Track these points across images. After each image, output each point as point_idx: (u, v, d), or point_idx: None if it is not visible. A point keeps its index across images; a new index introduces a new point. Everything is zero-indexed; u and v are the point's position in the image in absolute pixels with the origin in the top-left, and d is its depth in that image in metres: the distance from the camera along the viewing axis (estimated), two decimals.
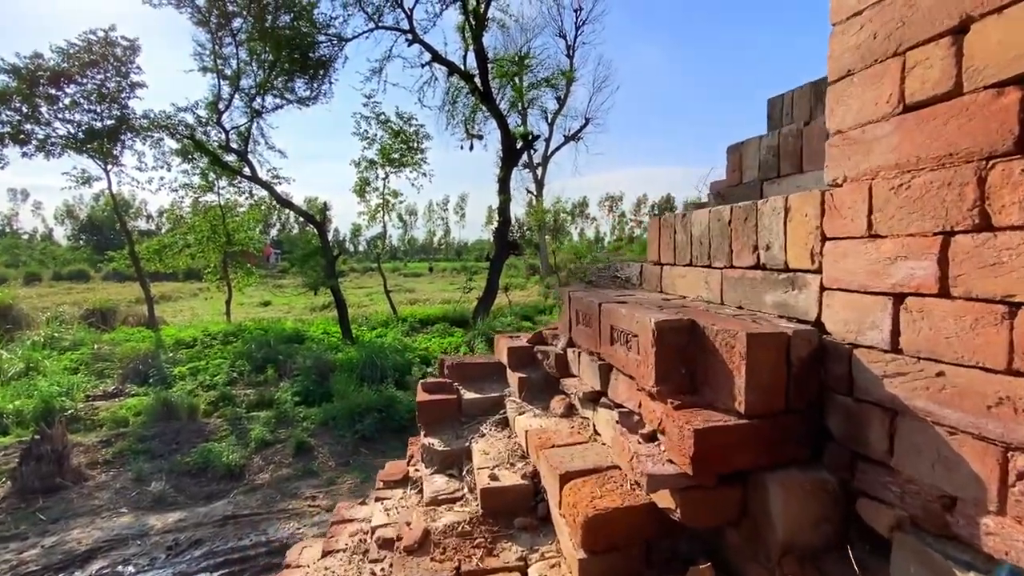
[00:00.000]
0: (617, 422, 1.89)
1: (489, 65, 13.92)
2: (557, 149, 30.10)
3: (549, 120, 27.46)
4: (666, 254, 2.34)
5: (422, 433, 2.75)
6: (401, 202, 16.13)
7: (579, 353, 2.39)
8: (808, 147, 2.18)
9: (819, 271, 1.45)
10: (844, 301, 1.35)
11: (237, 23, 10.68)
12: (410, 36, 13.39)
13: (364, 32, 12.86)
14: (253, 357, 10.48)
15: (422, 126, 14.54)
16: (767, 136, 2.46)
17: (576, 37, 28.48)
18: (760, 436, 1.38)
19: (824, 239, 1.43)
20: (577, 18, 28.34)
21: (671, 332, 1.59)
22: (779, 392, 1.40)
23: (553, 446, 2.04)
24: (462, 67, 13.87)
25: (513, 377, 2.73)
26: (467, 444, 2.49)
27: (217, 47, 11.06)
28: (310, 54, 11.60)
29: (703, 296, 2.04)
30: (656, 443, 1.64)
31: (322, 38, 11.88)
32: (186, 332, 13.09)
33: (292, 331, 12.70)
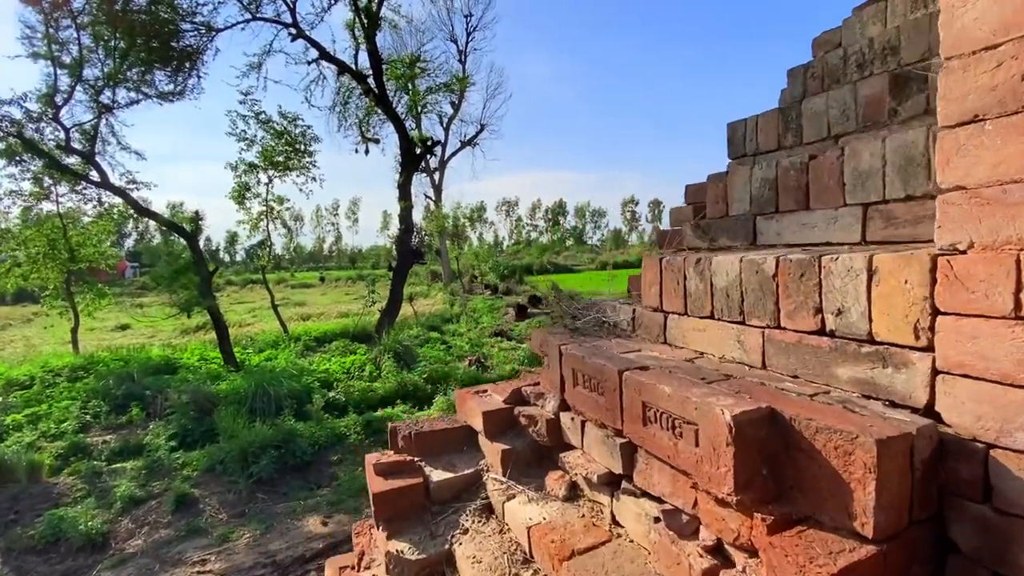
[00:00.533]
0: (657, 519, 1.54)
1: (383, 66, 13.12)
2: (454, 154, 29.59)
3: (445, 125, 26.89)
4: (672, 301, 2.05)
5: (381, 529, 2.18)
6: (287, 208, 14.60)
7: (581, 422, 2.01)
8: (817, 183, 2.02)
9: (928, 349, 1.22)
10: (975, 392, 1.12)
11: (78, 2, 8.75)
12: (293, 31, 12.11)
13: (239, 23, 11.34)
14: (111, 395, 8.63)
15: (309, 127, 13.27)
16: (760, 167, 2.29)
17: (467, 43, 28.22)
18: (891, 563, 1.11)
19: (936, 312, 1.19)
20: (468, 24, 28.07)
21: (751, 426, 1.27)
22: (905, 504, 1.14)
23: (574, 553, 1.64)
24: (353, 66, 12.90)
25: (492, 449, 2.28)
26: (447, 547, 1.99)
27: (52, 30, 8.98)
28: (172, 43, 9.90)
29: (733, 357, 1.77)
30: (731, 565, 1.31)
31: (187, 26, 10.21)
32: (20, 369, 10.52)
33: (160, 360, 10.77)
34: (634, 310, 2.32)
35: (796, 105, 2.70)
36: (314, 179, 13.75)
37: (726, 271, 1.77)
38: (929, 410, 1.22)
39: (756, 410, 1.29)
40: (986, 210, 1.09)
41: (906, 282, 1.24)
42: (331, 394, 7.99)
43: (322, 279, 35.87)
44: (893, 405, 1.29)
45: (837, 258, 1.40)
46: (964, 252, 1.13)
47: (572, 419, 2.07)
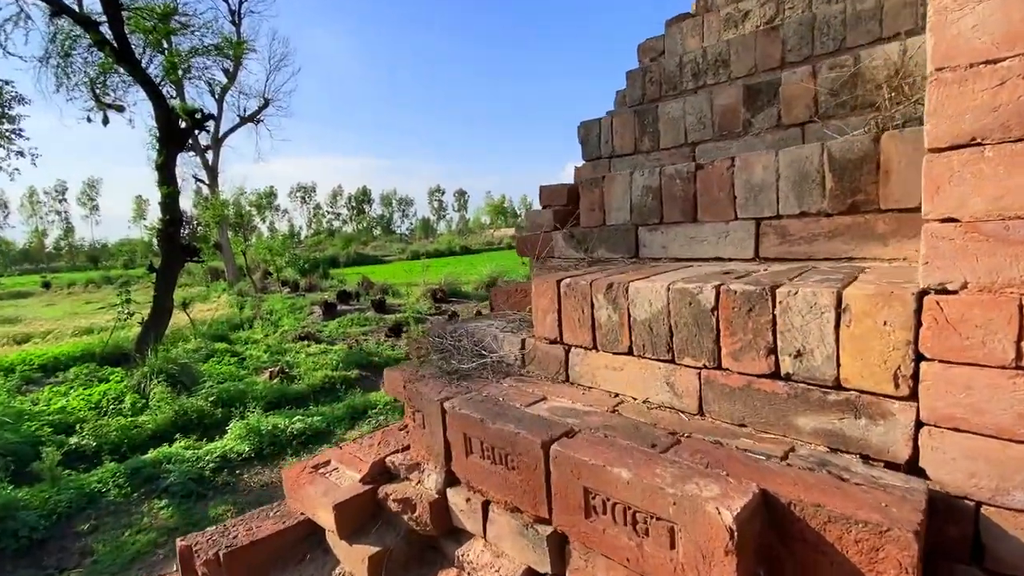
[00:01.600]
0: None
1: (124, 14, 10.18)
2: (232, 131, 25.10)
3: (218, 96, 22.64)
4: (577, 334, 1.71)
5: None
6: None
7: (482, 503, 1.54)
8: (706, 194, 1.89)
9: (910, 398, 1.08)
10: (968, 447, 1.01)
11: None
12: None
13: None
14: None
15: (8, 83, 9.61)
16: (642, 173, 2.09)
17: (241, 3, 24.10)
18: None
19: (920, 358, 1.06)
20: None
21: (750, 523, 0.99)
22: None
23: None
24: (76, 6, 9.69)
25: (353, 555, 1.65)
26: None
27: None
28: None
29: (661, 401, 1.51)
30: None
31: None
32: None
33: None
34: (523, 341, 1.92)
35: (652, 109, 2.62)
36: (21, 154, 10.12)
37: (648, 301, 1.49)
38: (912, 465, 1.10)
39: (752, 500, 1.01)
40: (985, 247, 0.96)
41: (885, 323, 1.08)
42: (74, 440, 5.84)
43: (46, 285, 27.31)
44: (866, 460, 1.14)
45: (797, 292, 1.20)
46: (956, 293, 1.00)
47: (467, 500, 1.59)
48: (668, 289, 1.45)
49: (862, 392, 1.14)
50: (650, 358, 1.52)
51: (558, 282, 1.75)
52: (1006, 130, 0.93)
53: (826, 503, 0.98)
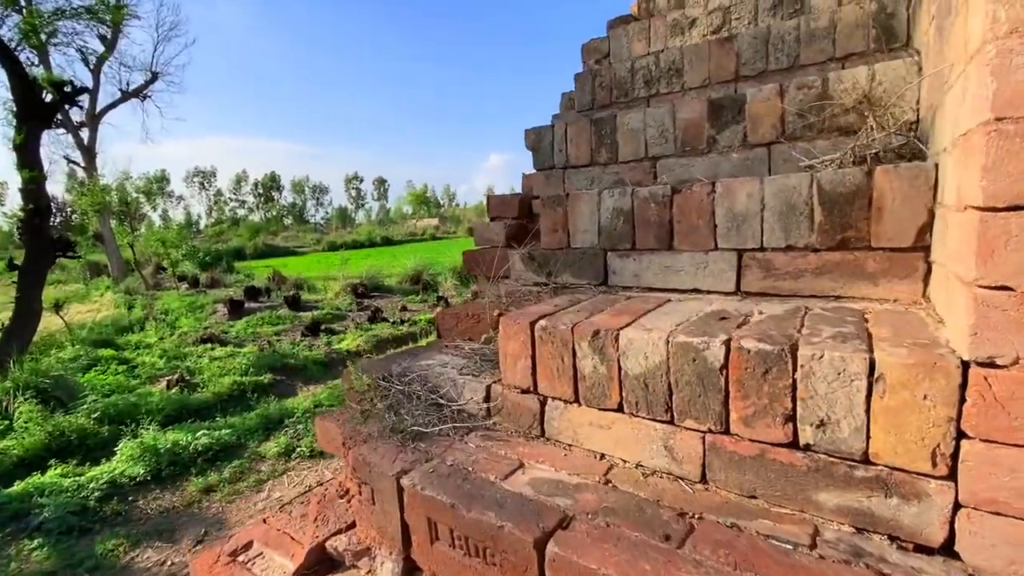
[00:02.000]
0: None
1: None
2: (112, 106, 22.02)
3: (94, 67, 19.75)
4: (555, 384, 1.50)
5: None
6: None
7: None
8: (684, 221, 1.75)
9: (948, 478, 0.99)
10: (1009, 533, 0.93)
11: None
12: None
13: None
14: None
15: None
16: (612, 194, 1.91)
17: None
18: None
19: (960, 435, 0.96)
20: None
21: None
22: None
23: None
24: None
25: None
26: None
27: None
28: None
29: (657, 467, 1.34)
30: None
31: None
32: None
33: None
34: (488, 389, 1.68)
35: (611, 119, 2.45)
36: None
37: (644, 354, 1.31)
38: (947, 549, 1.00)
39: None
40: None
41: (925, 397, 0.97)
42: None
43: None
44: (896, 541, 1.04)
45: (823, 355, 1.07)
46: (1007, 368, 0.90)
47: None
48: (668, 343, 1.27)
49: (894, 469, 1.04)
50: (645, 417, 1.35)
51: (532, 324, 1.52)
52: None
53: None
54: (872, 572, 0.96)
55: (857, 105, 1.86)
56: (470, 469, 1.40)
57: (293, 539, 1.57)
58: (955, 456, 0.97)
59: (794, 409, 1.12)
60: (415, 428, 1.64)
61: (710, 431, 1.24)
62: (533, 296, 2.02)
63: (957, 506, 0.98)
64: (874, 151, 1.67)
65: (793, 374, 1.11)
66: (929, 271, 1.39)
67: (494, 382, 1.69)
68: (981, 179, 0.89)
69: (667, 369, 1.28)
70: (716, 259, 1.71)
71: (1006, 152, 0.87)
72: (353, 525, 1.59)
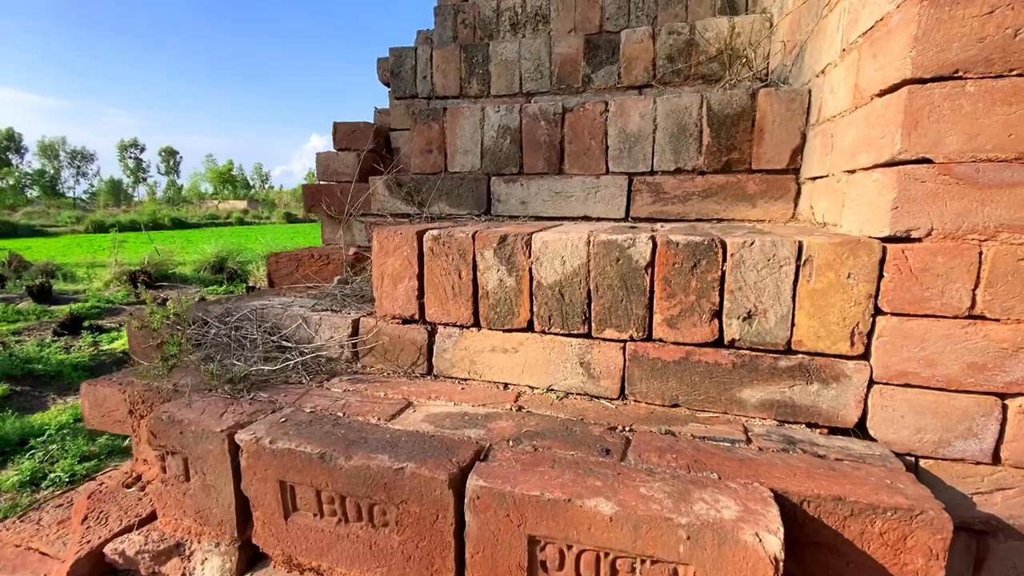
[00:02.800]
0: None
1: None
2: None
3: None
4: (450, 307, 1.23)
5: None
6: None
7: None
8: (577, 142, 1.63)
9: (863, 357, 1.00)
10: (916, 403, 0.97)
11: None
12: None
13: None
14: None
15: None
16: (499, 111, 1.70)
17: None
18: None
19: (877, 313, 0.98)
20: None
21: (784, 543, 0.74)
22: None
23: None
24: None
25: None
26: None
27: None
28: None
29: (570, 387, 1.17)
30: None
31: None
32: None
33: None
34: (355, 324, 1.32)
35: (483, 47, 2.24)
36: None
37: (560, 258, 1.12)
38: (859, 428, 1.02)
39: (778, 512, 0.75)
40: (954, 190, 0.91)
41: (849, 276, 0.97)
42: None
43: None
44: (815, 428, 1.03)
45: (754, 242, 1.01)
46: (921, 240, 0.93)
47: None
48: (590, 243, 1.10)
49: (815, 355, 1.02)
50: (559, 333, 1.16)
51: (419, 234, 1.22)
52: (989, 64, 0.87)
53: (846, 494, 0.79)
54: (810, 455, 0.92)
55: (719, 54, 1.97)
56: (341, 414, 1.04)
57: (44, 554, 1.00)
58: (871, 334, 0.99)
59: (721, 304, 1.05)
60: (252, 376, 1.19)
61: (631, 339, 1.11)
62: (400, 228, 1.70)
63: (871, 384, 1.00)
64: None
65: (722, 265, 1.03)
66: (799, 193, 1.48)
67: (365, 316, 1.34)
68: (911, 49, 0.90)
69: (587, 274, 1.11)
70: (608, 184, 1.62)
71: (936, 21, 0.88)
72: (152, 517, 1.08)
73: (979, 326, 0.93)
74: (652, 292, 1.08)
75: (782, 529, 0.70)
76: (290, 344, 1.32)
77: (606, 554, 0.77)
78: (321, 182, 2.26)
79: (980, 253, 0.91)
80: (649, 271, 1.07)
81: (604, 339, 1.13)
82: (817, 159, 1.34)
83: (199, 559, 0.99)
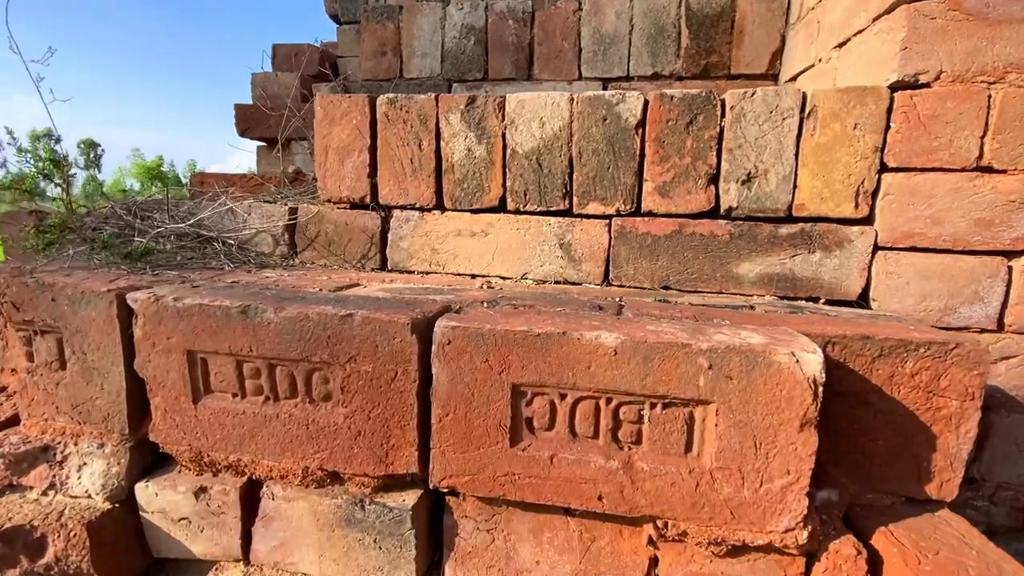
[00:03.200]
0: None
1: None
2: None
3: None
4: (408, 183, 1.06)
5: None
6: None
7: (241, 487, 0.75)
8: (547, 43, 1.50)
9: (868, 221, 0.92)
10: (922, 267, 0.90)
11: None
12: None
13: None
14: None
15: None
16: (464, 8, 1.54)
17: None
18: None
19: (883, 170, 0.90)
20: None
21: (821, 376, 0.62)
22: None
23: None
24: None
25: None
26: None
27: None
28: None
29: (546, 275, 1.03)
30: None
31: None
32: None
33: None
34: (293, 212, 1.12)
35: None
36: None
37: (539, 120, 0.98)
38: (862, 299, 0.94)
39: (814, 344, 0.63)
40: (964, 28, 0.84)
41: (856, 127, 0.88)
42: None
43: None
44: (814, 301, 0.94)
45: (755, 93, 0.91)
46: (929, 85, 0.86)
47: (203, 491, 0.74)
48: (573, 100, 0.97)
49: (818, 220, 0.93)
50: (535, 211, 1.01)
51: (372, 99, 1.04)
52: None
53: (875, 333, 0.69)
54: (821, 316, 0.82)
55: None
56: (274, 285, 0.84)
57: None
58: (875, 194, 0.91)
59: (719, 166, 0.94)
60: (159, 255, 0.97)
61: (618, 213, 0.98)
62: None
63: (875, 251, 0.92)
64: None
65: (720, 121, 0.93)
66: None
67: (307, 203, 1.14)
68: None
69: (569, 137, 0.97)
70: (580, 90, 1.50)
71: None
72: (15, 420, 0.83)
73: (987, 179, 0.87)
74: (642, 156, 0.96)
75: (820, 351, 0.58)
76: (212, 234, 1.10)
77: (608, 400, 0.62)
78: (253, 103, 2.01)
79: (989, 97, 0.85)
80: (640, 131, 0.95)
81: (587, 215, 1.00)
82: (800, 53, 1.28)
83: (74, 465, 0.76)
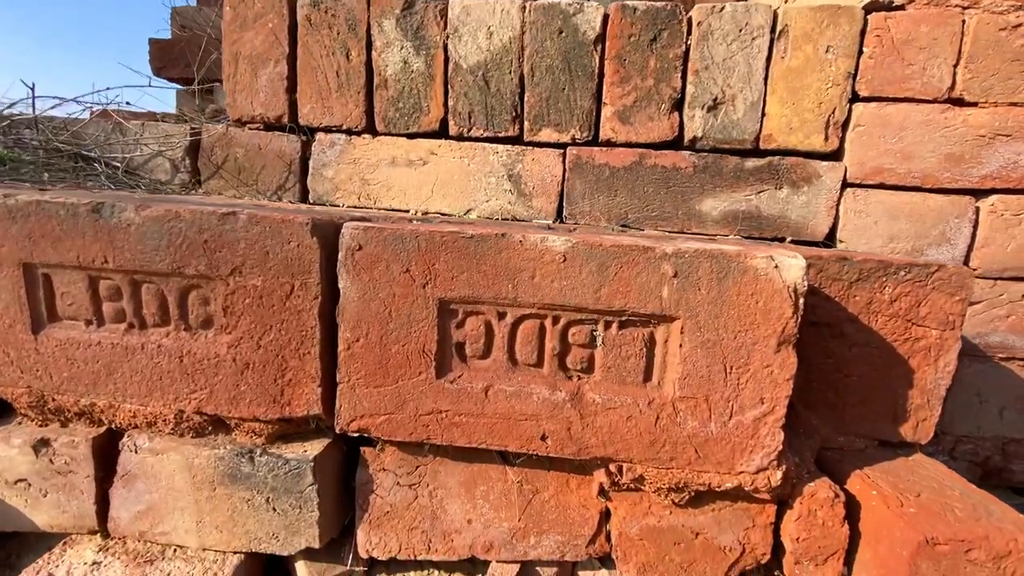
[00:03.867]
0: None
1: None
2: None
3: None
4: (333, 100, 0.91)
5: None
6: None
7: (93, 440, 0.59)
8: None
9: (837, 156, 0.86)
10: (891, 206, 0.85)
11: None
12: None
13: None
14: None
15: None
16: None
17: None
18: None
19: (855, 100, 0.84)
20: None
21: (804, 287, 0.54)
22: None
23: None
24: None
25: None
26: None
27: None
28: None
29: (495, 209, 0.91)
30: None
31: None
32: None
33: None
34: (196, 133, 0.95)
35: None
36: None
37: (488, 28, 0.86)
38: (830, 239, 0.88)
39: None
40: None
41: (828, 50, 0.82)
42: None
43: None
44: (779, 242, 0.87)
45: (723, 8, 0.82)
46: (904, 7, 0.80)
47: (43, 443, 0.58)
48: (525, 9, 0.85)
49: (786, 153, 0.86)
50: (481, 137, 0.89)
51: (289, 2, 0.89)
52: None
53: (853, 256, 0.62)
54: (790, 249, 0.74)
55: None
56: (151, 197, 0.68)
57: None
58: (846, 125, 0.84)
59: (684, 90, 0.85)
60: (17, 174, 0.78)
61: (574, 142, 0.88)
62: None
63: (844, 187, 0.86)
64: None
65: (687, 38, 0.84)
66: None
67: (210, 122, 0.97)
68: None
69: (520, 51, 0.86)
70: None
71: None
72: None
73: (958, 112, 0.82)
74: (601, 76, 0.86)
75: (802, 256, 0.50)
76: (94, 154, 0.92)
77: (555, 319, 0.52)
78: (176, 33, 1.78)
79: (963, 23, 0.80)
80: (599, 47, 0.85)
81: (539, 143, 0.89)
82: None
83: None
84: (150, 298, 0.57)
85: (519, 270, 0.51)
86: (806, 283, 0.49)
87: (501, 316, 0.52)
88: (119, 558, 0.61)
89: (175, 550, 0.62)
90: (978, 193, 0.85)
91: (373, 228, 0.51)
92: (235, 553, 0.61)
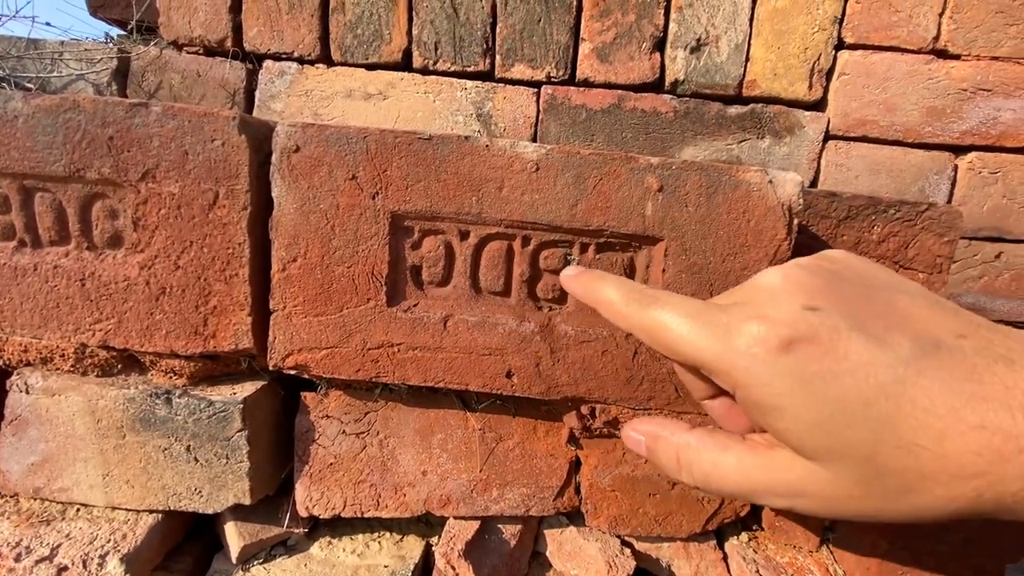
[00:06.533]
0: None
1: None
2: None
3: None
4: (281, 22, 0.82)
5: None
6: None
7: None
8: None
9: (820, 106, 0.83)
10: (872, 160, 0.83)
11: None
12: None
13: None
14: None
15: None
16: None
17: None
18: None
19: (840, 47, 0.81)
20: None
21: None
22: None
23: None
24: None
25: None
26: None
27: None
28: None
29: None
30: None
31: None
32: None
33: None
34: (125, 55, 0.84)
35: None
36: None
37: None
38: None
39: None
40: None
41: None
42: None
43: None
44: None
45: None
46: None
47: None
48: None
49: (769, 101, 0.82)
50: (448, 71, 0.82)
51: None
52: None
53: (842, 192, 0.58)
54: None
55: None
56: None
57: None
58: (830, 74, 0.81)
59: (666, 28, 0.80)
60: None
61: (549, 80, 0.82)
62: None
63: (826, 139, 0.83)
64: None
65: None
66: None
67: (145, 40, 0.86)
68: None
69: None
70: None
71: None
72: None
73: (941, 64, 0.80)
74: (579, 9, 0.80)
75: (797, 174, 0.45)
76: (2, 75, 0.80)
77: (525, 239, 0.45)
78: None
79: None
80: None
81: (512, 80, 0.82)
82: None
83: None
84: (44, 209, 0.48)
85: (485, 180, 0.44)
86: (801, 201, 0.45)
87: (464, 235, 0.46)
88: (9, 518, 0.52)
89: (77, 509, 0.54)
90: (958, 150, 0.83)
91: (313, 126, 0.44)
92: (150, 512, 0.53)
